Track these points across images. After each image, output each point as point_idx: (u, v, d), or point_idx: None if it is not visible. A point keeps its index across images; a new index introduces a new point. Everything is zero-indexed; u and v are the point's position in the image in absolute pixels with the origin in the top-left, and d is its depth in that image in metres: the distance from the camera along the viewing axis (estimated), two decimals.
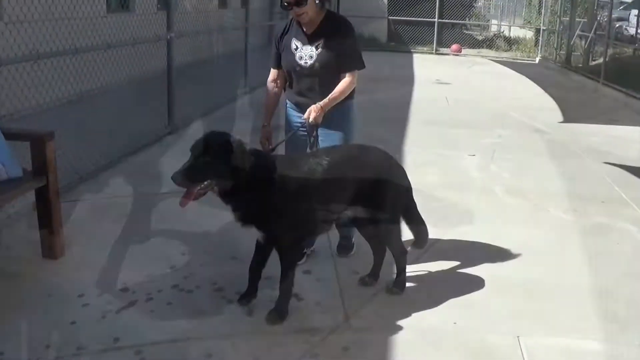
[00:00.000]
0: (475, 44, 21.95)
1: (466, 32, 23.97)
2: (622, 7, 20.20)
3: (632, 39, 14.87)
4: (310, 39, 3.86)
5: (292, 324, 3.42)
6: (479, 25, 26.79)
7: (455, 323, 3.52)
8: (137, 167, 6.05)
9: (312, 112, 3.72)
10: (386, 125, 8.47)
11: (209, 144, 3.14)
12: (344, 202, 3.56)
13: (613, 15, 13.84)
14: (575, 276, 4.13)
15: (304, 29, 3.88)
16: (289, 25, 3.96)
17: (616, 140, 8.24)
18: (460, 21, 22.35)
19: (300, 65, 3.88)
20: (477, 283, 3.98)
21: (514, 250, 4.46)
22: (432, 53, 20.04)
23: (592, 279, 4.09)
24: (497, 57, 19.43)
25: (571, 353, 3.26)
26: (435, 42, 20.27)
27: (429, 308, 3.66)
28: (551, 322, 3.55)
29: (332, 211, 3.57)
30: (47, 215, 3.93)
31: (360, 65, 3.92)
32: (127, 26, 6.83)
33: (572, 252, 4.52)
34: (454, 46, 20.21)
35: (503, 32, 23.64)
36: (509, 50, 21.17)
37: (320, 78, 3.87)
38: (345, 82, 3.85)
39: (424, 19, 20.42)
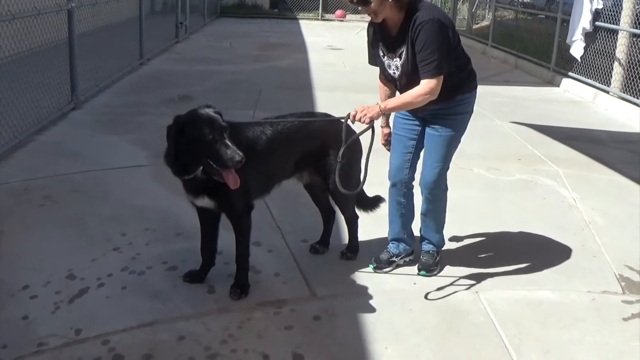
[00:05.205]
0: (358, 9, 22.11)
1: None
2: None
3: (512, 2, 15.60)
4: (393, 46, 3.31)
5: (256, 297, 3.36)
6: None
7: (415, 284, 3.59)
8: (49, 147, 5.64)
9: (358, 111, 3.31)
10: (292, 92, 8.43)
11: (224, 120, 3.13)
12: (296, 166, 3.56)
13: None
14: (514, 230, 4.32)
15: (388, 31, 3.31)
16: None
17: (516, 100, 8.64)
18: None
19: (390, 75, 3.44)
20: None
21: (451, 209, 4.56)
22: (317, 19, 20.09)
23: (530, 232, 4.30)
24: None
25: (529, 303, 3.42)
26: (320, 8, 20.32)
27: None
28: (504, 276, 3.71)
29: (285, 175, 3.57)
30: None
31: (437, 70, 3.16)
32: None
33: (505, 208, 4.72)
34: (338, 12, 20.35)
35: None
36: None
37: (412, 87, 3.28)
38: (413, 91, 3.23)
39: None
